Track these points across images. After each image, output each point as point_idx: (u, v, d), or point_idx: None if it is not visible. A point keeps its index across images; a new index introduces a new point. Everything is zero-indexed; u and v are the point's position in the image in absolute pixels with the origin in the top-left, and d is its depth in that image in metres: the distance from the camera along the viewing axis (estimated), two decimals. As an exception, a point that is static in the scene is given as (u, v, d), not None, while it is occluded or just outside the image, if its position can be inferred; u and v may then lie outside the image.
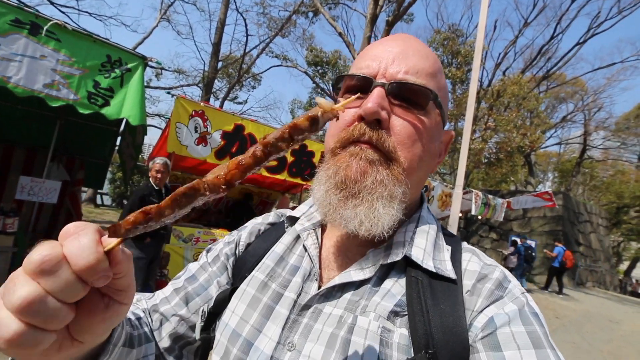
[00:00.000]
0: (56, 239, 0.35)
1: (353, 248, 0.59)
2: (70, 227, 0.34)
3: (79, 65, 3.09)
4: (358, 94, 0.53)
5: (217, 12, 14.90)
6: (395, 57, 0.56)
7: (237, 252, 0.70)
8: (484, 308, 0.49)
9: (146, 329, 0.62)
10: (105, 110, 3.25)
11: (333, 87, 0.63)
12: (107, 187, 16.08)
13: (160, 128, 15.83)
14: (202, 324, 0.62)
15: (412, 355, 0.46)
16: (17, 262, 3.93)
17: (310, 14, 18.94)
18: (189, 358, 0.67)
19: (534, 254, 10.78)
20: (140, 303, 0.69)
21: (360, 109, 0.53)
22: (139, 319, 0.63)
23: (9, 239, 3.85)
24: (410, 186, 0.54)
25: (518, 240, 11.39)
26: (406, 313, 0.50)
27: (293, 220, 0.68)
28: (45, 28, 2.92)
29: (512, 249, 10.90)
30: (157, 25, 16.25)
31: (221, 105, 16.40)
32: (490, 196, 9.42)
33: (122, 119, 3.96)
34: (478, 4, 5.05)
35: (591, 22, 18.20)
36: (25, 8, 2.99)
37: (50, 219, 5.45)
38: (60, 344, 0.34)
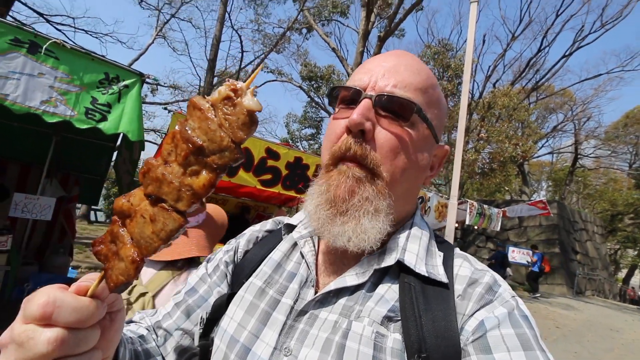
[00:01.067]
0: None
1: (348, 255, 0.60)
2: (45, 304, 0.34)
3: (77, 82, 3.12)
4: None
5: (213, 29, 15.20)
6: (386, 71, 0.58)
7: (235, 259, 0.71)
8: (475, 312, 0.50)
9: (151, 345, 0.64)
10: (103, 125, 3.27)
11: (328, 97, 0.65)
12: (101, 203, 15.94)
13: (156, 143, 15.85)
14: (201, 330, 0.63)
15: (406, 359, 0.47)
16: (10, 280, 3.85)
17: (304, 31, 19.39)
18: None
19: (508, 260, 12.11)
20: (144, 321, 0.70)
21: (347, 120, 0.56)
22: (141, 337, 0.64)
23: (3, 257, 3.78)
24: (395, 198, 0.56)
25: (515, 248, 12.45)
26: (399, 318, 0.51)
27: (290, 227, 0.70)
28: (44, 47, 2.97)
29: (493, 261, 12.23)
30: (152, 42, 16.52)
31: (217, 120, 16.46)
32: (485, 206, 9.47)
33: (118, 135, 3.97)
34: (467, 19, 5.21)
35: (576, 35, 18.86)
36: (25, 28, 3.04)
37: (44, 236, 5.37)
38: None
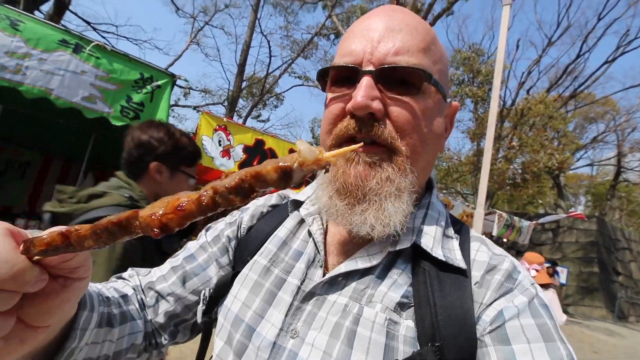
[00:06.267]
0: None
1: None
2: None
3: (115, 81, 3.35)
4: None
5: (243, 35, 15.73)
6: (381, 36, 0.50)
7: (238, 234, 0.68)
8: (493, 301, 0.48)
9: (131, 307, 0.61)
10: (135, 123, 3.47)
11: (318, 81, 0.58)
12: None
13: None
14: (204, 307, 0.61)
15: (419, 348, 0.45)
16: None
17: (332, 36, 19.57)
18: (185, 333, 0.66)
19: None
20: (133, 279, 0.67)
21: (349, 103, 0.49)
22: (123, 296, 0.60)
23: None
24: (417, 172, 0.52)
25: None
26: (412, 304, 0.48)
27: (297, 204, 0.66)
28: (88, 48, 3.22)
29: None
30: (187, 48, 17.34)
31: (244, 123, 16.98)
32: (516, 218, 9.02)
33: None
34: (499, 24, 5.08)
35: (620, 40, 17.72)
36: (71, 31, 3.32)
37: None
38: (21, 337, 0.34)
